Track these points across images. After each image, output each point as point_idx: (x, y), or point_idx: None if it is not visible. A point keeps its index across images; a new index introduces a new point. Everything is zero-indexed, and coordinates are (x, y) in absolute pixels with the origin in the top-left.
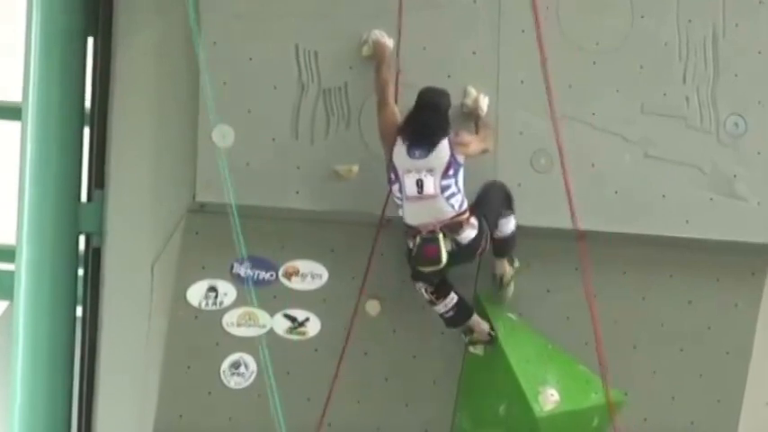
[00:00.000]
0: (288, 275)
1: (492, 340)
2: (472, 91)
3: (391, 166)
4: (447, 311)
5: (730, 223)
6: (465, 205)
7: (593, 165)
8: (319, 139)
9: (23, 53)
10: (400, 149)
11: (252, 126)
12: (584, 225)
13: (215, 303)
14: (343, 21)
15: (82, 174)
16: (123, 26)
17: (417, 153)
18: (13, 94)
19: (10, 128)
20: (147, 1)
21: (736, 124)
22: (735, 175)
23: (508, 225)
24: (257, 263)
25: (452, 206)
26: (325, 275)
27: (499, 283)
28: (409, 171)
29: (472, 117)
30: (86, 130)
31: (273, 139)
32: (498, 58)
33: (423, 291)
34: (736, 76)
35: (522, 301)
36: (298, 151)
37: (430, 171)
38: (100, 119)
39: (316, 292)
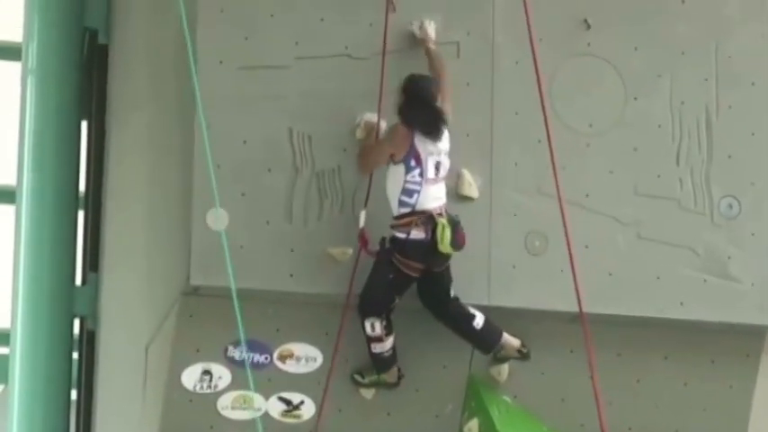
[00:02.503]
0: (282, 358)
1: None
2: (416, 22)
3: (412, 154)
4: (387, 351)
5: (725, 305)
6: None
7: (586, 246)
8: (313, 221)
9: (18, 136)
10: (420, 137)
11: (246, 209)
12: (577, 307)
13: (209, 386)
14: (336, 104)
15: (76, 257)
16: (117, 110)
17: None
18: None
19: (4, 210)
20: (141, 85)
21: (730, 206)
22: (729, 257)
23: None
24: (252, 346)
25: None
26: (320, 358)
27: (493, 356)
28: (431, 153)
29: (422, 46)
30: (80, 214)
31: (268, 222)
32: (492, 139)
33: (374, 325)
34: (729, 157)
35: (517, 383)
36: (292, 234)
37: (445, 154)
38: (94, 202)
39: (310, 375)
